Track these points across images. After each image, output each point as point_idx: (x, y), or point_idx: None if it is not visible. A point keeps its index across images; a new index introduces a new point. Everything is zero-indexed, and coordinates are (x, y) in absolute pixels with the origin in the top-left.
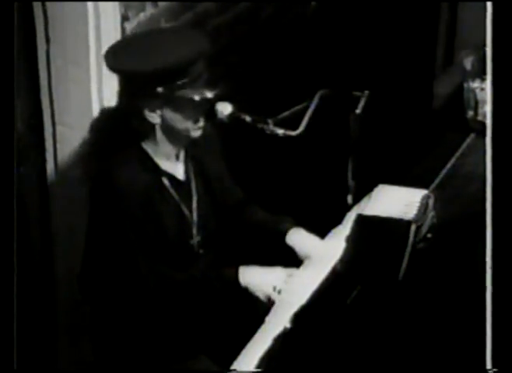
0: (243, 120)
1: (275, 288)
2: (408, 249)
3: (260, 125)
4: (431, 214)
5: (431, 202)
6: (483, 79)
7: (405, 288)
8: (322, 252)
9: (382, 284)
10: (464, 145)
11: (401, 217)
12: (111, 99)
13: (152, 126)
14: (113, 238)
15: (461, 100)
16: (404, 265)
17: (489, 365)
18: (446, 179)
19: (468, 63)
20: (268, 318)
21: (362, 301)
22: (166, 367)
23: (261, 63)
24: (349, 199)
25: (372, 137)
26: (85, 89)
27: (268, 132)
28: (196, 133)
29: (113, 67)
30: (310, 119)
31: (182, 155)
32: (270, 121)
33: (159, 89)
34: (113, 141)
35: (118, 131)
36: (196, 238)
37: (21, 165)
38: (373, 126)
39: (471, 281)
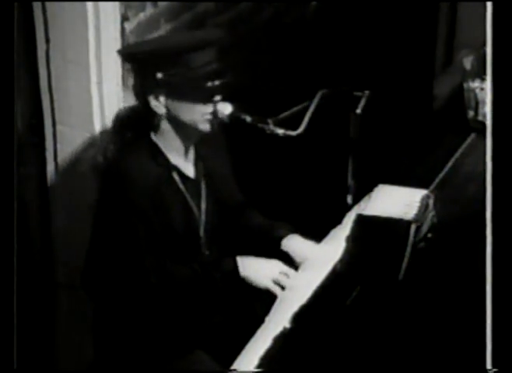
0: (244, 120)
1: (274, 281)
2: (408, 249)
3: (260, 125)
4: (431, 214)
5: (431, 202)
6: (483, 79)
7: (405, 288)
8: (322, 253)
9: (382, 284)
10: (464, 145)
11: (401, 217)
12: (111, 99)
13: (159, 116)
14: (120, 228)
15: (461, 100)
16: (404, 265)
17: (489, 365)
18: (446, 179)
19: (468, 63)
20: (267, 318)
21: (362, 302)
22: (166, 362)
23: (261, 63)
24: (349, 199)
25: (372, 137)
26: (86, 89)
27: (268, 132)
28: (204, 126)
29: (120, 52)
30: (311, 119)
31: (192, 153)
32: (270, 121)
33: (159, 75)
34: (126, 132)
35: (132, 122)
36: (203, 238)
37: (21, 165)
38: (374, 126)
39: (471, 281)
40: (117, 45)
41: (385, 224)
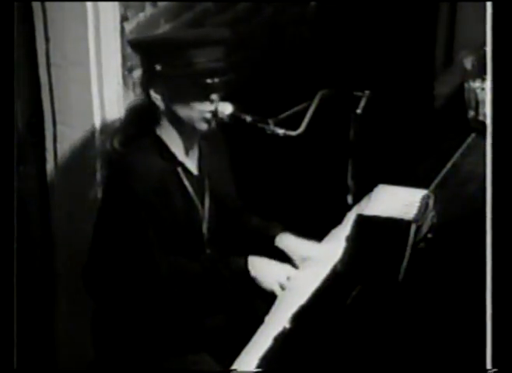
0: (244, 120)
1: (280, 285)
2: (408, 249)
3: (260, 125)
4: (431, 214)
5: (431, 202)
6: (484, 79)
7: (405, 288)
8: (322, 253)
9: (382, 284)
10: (464, 145)
11: (401, 217)
12: (112, 99)
13: (159, 111)
14: (127, 222)
15: (461, 100)
16: (404, 265)
17: (489, 365)
18: (446, 179)
19: (468, 63)
20: (267, 318)
21: (362, 302)
22: (166, 362)
23: (261, 63)
24: (349, 199)
25: (372, 137)
26: (86, 89)
27: (268, 132)
28: (201, 124)
29: (130, 42)
30: (311, 119)
31: (196, 150)
32: (270, 121)
33: (158, 67)
34: (134, 125)
35: (139, 115)
36: (205, 236)
37: (21, 164)
38: (374, 126)
39: (471, 281)
40: (117, 45)
41: (385, 224)
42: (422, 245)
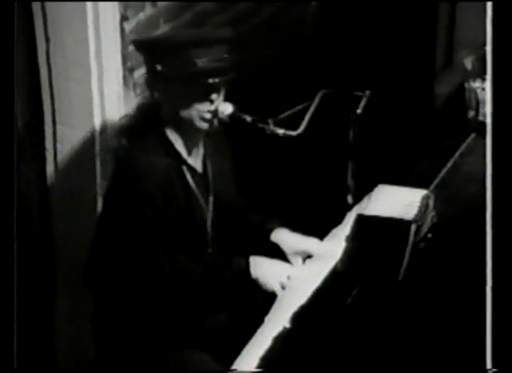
0: (244, 120)
1: (281, 285)
2: (409, 249)
3: (260, 125)
4: (431, 214)
5: (431, 202)
6: (484, 79)
7: (405, 288)
8: (321, 252)
9: (382, 284)
10: (464, 145)
11: (401, 217)
12: (112, 99)
13: (163, 109)
14: (130, 218)
15: (461, 100)
16: (404, 265)
17: (489, 365)
18: (446, 179)
19: (469, 63)
20: (267, 318)
21: (362, 301)
22: (166, 362)
23: (261, 63)
24: (349, 199)
25: (372, 137)
26: (86, 89)
27: (268, 132)
28: (201, 124)
29: (133, 42)
30: (311, 119)
31: (201, 150)
32: (270, 121)
33: (158, 67)
34: (140, 124)
35: (145, 114)
36: (209, 234)
37: (21, 164)
38: (374, 126)
39: (471, 281)
40: (117, 45)
41: (385, 224)
42: (422, 245)
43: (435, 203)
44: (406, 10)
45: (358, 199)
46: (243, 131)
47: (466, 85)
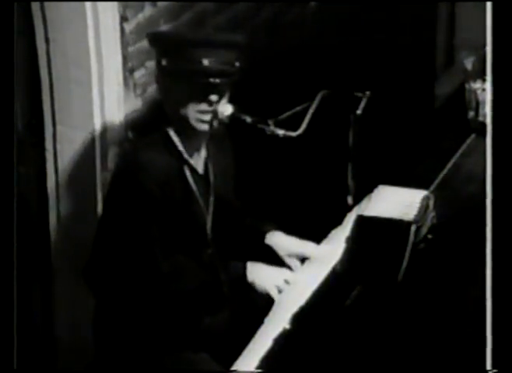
0: (244, 121)
1: (277, 288)
2: (408, 249)
3: (260, 126)
4: (431, 214)
5: (431, 203)
6: (484, 80)
7: (405, 289)
8: (321, 253)
9: (382, 285)
10: (464, 145)
11: (401, 217)
12: (112, 99)
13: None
14: (130, 215)
15: (461, 100)
16: (404, 265)
17: (489, 365)
18: (446, 179)
19: (469, 63)
20: (267, 319)
21: (361, 302)
22: (166, 362)
23: (261, 63)
24: (349, 199)
25: (372, 137)
26: (86, 89)
27: (268, 133)
28: (198, 124)
29: (147, 35)
30: (311, 120)
31: (204, 151)
32: (270, 122)
33: (164, 62)
34: (148, 120)
35: (152, 111)
36: (209, 235)
37: (21, 165)
38: (374, 127)
39: (471, 282)
40: (117, 45)
41: (385, 225)
42: (422, 245)
43: (435, 203)
44: (406, 10)
45: (358, 200)
46: (243, 132)
47: (466, 86)
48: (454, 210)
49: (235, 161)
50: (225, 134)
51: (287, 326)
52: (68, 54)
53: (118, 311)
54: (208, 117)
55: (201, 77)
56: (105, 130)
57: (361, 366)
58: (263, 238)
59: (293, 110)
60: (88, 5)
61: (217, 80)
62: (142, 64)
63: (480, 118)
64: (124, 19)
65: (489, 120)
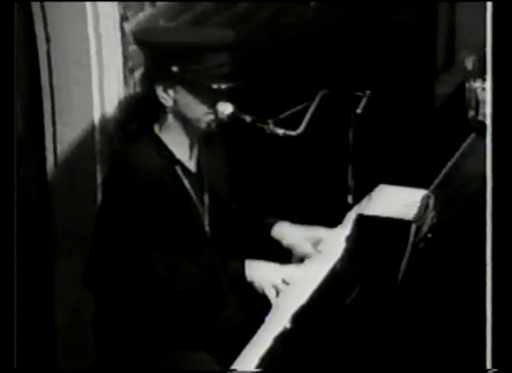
0: (244, 120)
1: (274, 287)
2: (408, 249)
3: (260, 125)
4: (431, 214)
5: (431, 202)
6: (485, 79)
7: (405, 288)
8: (321, 253)
9: (382, 284)
10: (465, 145)
11: (401, 217)
12: (112, 99)
13: (165, 109)
14: (124, 219)
15: (462, 100)
16: (404, 265)
17: (489, 365)
18: (446, 179)
19: (469, 63)
20: (268, 318)
21: (361, 301)
22: (166, 362)
23: (261, 63)
24: (349, 199)
25: (372, 137)
26: (86, 89)
27: (268, 132)
28: (205, 124)
29: (139, 39)
30: (311, 119)
31: (196, 149)
32: (270, 121)
33: (175, 68)
34: (131, 123)
35: (136, 113)
36: (208, 233)
37: (21, 165)
38: (374, 126)
39: (471, 281)
40: (118, 45)
41: (385, 225)
42: (422, 245)
43: (435, 203)
44: (406, 10)
45: (358, 199)
46: (243, 131)
47: (466, 85)
48: (454, 210)
49: (230, 159)
50: (215, 131)
51: (287, 325)
52: (68, 54)
53: (118, 312)
54: (210, 117)
55: (216, 82)
56: (105, 129)
57: (361, 365)
58: (269, 230)
59: (293, 110)
60: (88, 5)
61: (229, 84)
62: (142, 64)
63: (480, 117)
64: (124, 18)
65: (489, 120)
